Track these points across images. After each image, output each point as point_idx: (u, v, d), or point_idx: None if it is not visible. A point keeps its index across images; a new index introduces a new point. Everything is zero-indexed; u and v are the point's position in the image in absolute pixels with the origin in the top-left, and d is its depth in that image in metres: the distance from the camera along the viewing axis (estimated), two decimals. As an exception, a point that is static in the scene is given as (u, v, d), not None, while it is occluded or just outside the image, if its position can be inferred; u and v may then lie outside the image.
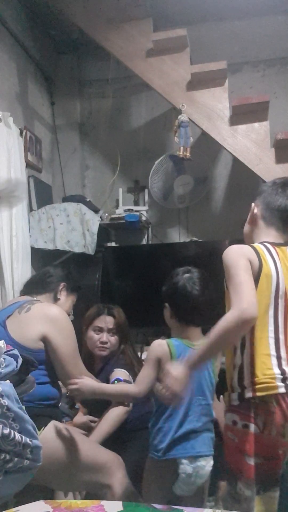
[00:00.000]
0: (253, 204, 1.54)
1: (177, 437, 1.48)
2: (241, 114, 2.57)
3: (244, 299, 1.26)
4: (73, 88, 3.44)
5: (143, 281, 2.81)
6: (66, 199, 3.12)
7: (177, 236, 3.28)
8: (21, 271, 2.47)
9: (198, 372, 1.45)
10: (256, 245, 1.44)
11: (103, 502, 1.05)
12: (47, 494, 1.71)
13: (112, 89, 3.37)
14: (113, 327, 2.01)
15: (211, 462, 1.51)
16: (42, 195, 3.05)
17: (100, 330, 2.00)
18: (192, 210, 3.21)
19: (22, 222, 2.59)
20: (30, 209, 2.90)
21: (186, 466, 1.46)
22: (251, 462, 1.27)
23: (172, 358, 1.50)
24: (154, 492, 1.50)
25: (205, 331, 1.47)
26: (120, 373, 1.87)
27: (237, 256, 1.36)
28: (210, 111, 2.61)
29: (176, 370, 1.34)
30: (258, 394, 1.30)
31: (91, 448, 1.64)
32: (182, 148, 2.56)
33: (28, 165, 2.87)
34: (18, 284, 2.39)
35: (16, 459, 0.97)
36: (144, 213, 3.12)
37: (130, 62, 2.71)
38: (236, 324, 1.24)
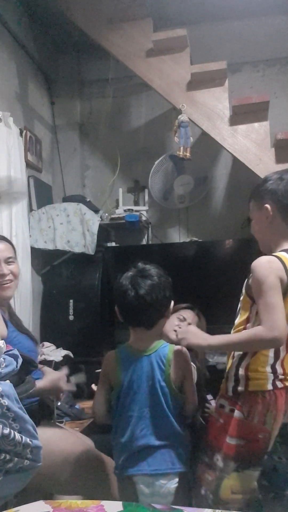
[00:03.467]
0: (268, 206, 1.49)
1: (131, 453, 1.37)
2: (241, 114, 2.57)
3: (278, 326, 1.31)
4: (73, 88, 3.44)
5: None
6: (66, 199, 3.12)
7: (177, 236, 3.27)
8: (21, 271, 2.47)
9: (145, 384, 1.41)
10: (283, 256, 1.42)
11: (103, 502, 1.05)
12: (47, 494, 1.71)
13: (112, 89, 3.37)
14: (192, 323, 2.06)
15: (175, 480, 1.37)
16: (42, 195, 3.05)
17: (183, 319, 2.05)
18: (192, 210, 3.21)
19: (22, 222, 2.59)
20: (30, 209, 2.90)
21: (141, 486, 1.35)
22: (232, 442, 1.39)
23: (117, 371, 1.44)
24: None
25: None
26: None
27: (268, 273, 1.37)
28: (210, 111, 2.61)
29: (194, 330, 1.47)
30: (249, 389, 1.41)
31: (85, 451, 1.63)
32: (182, 148, 2.56)
33: (28, 165, 2.86)
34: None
35: (16, 459, 0.97)
36: (144, 213, 3.12)
37: (130, 62, 2.71)
38: (263, 345, 1.37)
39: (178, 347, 1.46)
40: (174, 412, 1.40)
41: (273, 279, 1.36)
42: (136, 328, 1.45)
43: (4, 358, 1.05)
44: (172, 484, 1.37)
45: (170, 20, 2.93)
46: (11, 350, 1.10)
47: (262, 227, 1.53)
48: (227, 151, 2.62)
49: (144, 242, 3.29)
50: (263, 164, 2.51)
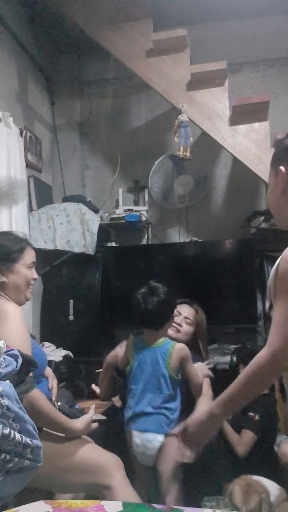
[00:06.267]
0: (282, 168, 1.20)
1: (132, 415, 1.83)
2: (241, 114, 2.57)
3: (277, 341, 1.09)
4: (73, 88, 3.44)
5: (143, 281, 2.82)
6: (66, 199, 3.12)
7: (177, 236, 3.28)
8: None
9: (150, 368, 1.82)
10: None
11: (103, 502, 1.05)
12: (47, 494, 1.71)
13: (112, 89, 3.37)
14: (189, 318, 2.15)
15: (159, 438, 1.77)
16: (42, 195, 3.05)
17: (178, 314, 2.13)
18: (192, 210, 3.21)
19: (22, 222, 2.59)
20: (30, 209, 2.90)
21: (135, 438, 1.80)
22: None
23: (132, 354, 1.89)
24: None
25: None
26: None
27: None
28: (210, 111, 2.61)
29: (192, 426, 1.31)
30: None
31: (89, 449, 1.64)
32: (182, 148, 2.56)
33: (28, 165, 2.86)
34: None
35: (16, 459, 0.97)
36: (144, 213, 3.12)
37: (130, 62, 2.71)
38: (266, 371, 1.12)
39: (179, 344, 1.88)
40: (171, 391, 1.81)
41: None
42: (147, 329, 1.90)
43: (4, 358, 1.05)
44: (158, 441, 1.77)
45: (170, 20, 2.93)
46: (11, 350, 1.10)
47: (277, 195, 1.24)
48: (227, 151, 2.63)
49: (144, 242, 3.29)
50: (263, 164, 2.51)
